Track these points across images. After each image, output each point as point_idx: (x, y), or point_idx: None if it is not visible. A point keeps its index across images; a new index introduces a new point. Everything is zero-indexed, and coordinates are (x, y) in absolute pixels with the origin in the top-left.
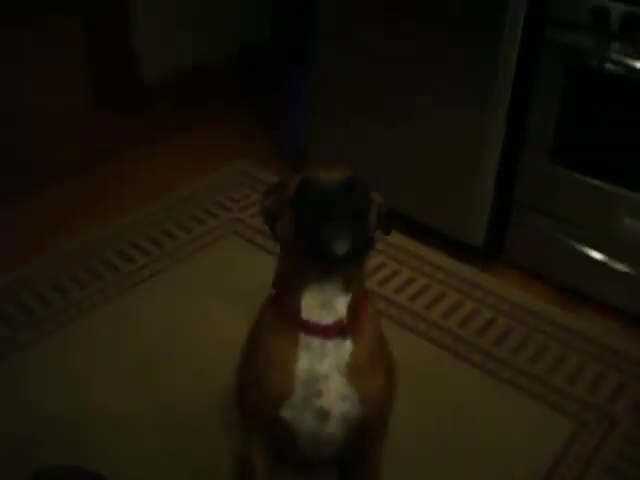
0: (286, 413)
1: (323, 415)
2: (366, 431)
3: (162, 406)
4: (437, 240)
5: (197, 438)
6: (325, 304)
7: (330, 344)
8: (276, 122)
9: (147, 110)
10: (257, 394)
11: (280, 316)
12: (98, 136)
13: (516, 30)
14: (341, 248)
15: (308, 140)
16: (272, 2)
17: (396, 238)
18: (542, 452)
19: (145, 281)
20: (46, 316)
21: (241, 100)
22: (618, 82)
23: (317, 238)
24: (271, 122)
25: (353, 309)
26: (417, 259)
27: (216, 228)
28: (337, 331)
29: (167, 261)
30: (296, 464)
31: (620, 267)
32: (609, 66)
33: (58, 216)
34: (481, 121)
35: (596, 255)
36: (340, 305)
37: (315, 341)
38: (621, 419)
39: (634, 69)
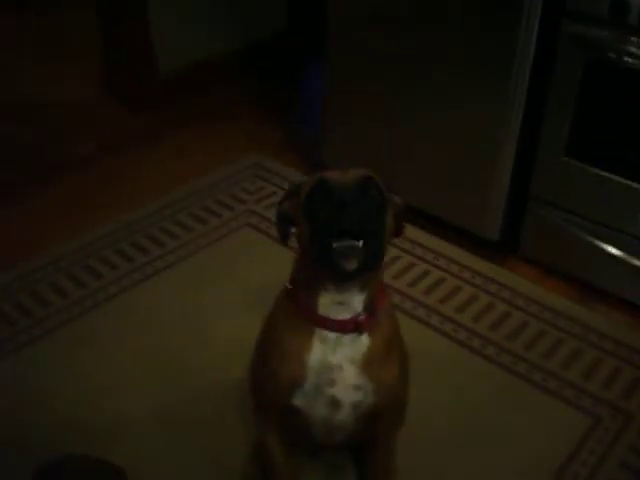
0: (298, 401)
1: (335, 403)
2: (379, 419)
3: (176, 399)
4: (452, 234)
5: (212, 431)
6: (342, 303)
7: (346, 338)
8: (291, 115)
9: (162, 104)
10: (271, 383)
11: (296, 311)
12: (114, 130)
13: (533, 24)
14: (351, 265)
15: (323, 133)
16: None
17: (411, 231)
18: (556, 448)
19: (159, 273)
20: (59, 308)
21: (256, 93)
22: (636, 76)
23: (328, 253)
24: (286, 115)
25: (370, 305)
26: (432, 252)
27: (231, 220)
28: (353, 327)
29: (182, 252)
30: (311, 449)
31: (636, 262)
32: (627, 60)
33: (66, 211)
34: (498, 116)
35: (612, 250)
36: (357, 303)
37: (331, 335)
38: (636, 415)
39: None
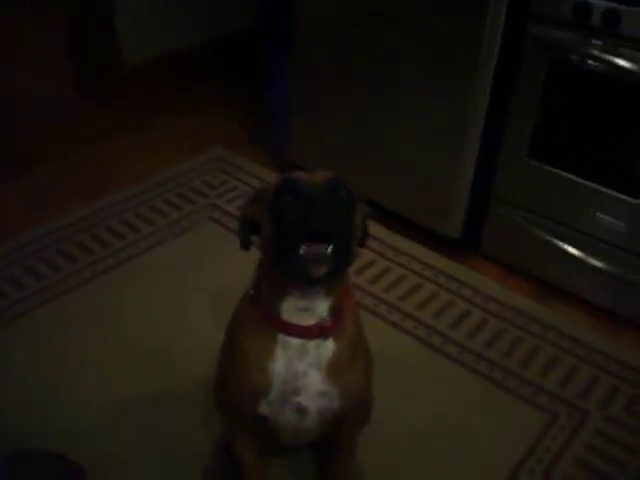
0: (264, 410)
1: (301, 411)
2: (344, 421)
3: (144, 398)
4: (414, 231)
5: (180, 430)
6: (306, 309)
7: (311, 344)
8: (258, 111)
9: (128, 96)
10: (235, 392)
11: (259, 316)
12: (79, 121)
13: (497, 26)
14: (320, 272)
15: (290, 130)
16: None
17: (373, 228)
18: (512, 445)
19: (122, 265)
20: (20, 298)
21: (222, 87)
22: (598, 79)
23: (295, 258)
24: (253, 111)
25: (335, 309)
26: (393, 250)
27: (192, 213)
28: (319, 332)
29: (143, 245)
30: (275, 448)
31: (595, 262)
32: (590, 62)
33: (35, 201)
34: (461, 116)
35: (572, 250)
36: (322, 308)
37: (295, 341)
38: (592, 412)
39: (615, 66)
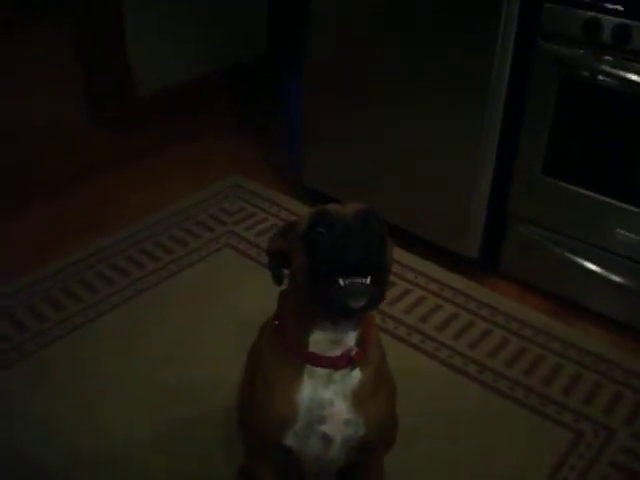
0: (289, 440)
1: (326, 440)
2: (370, 447)
3: (166, 428)
4: (432, 252)
5: (202, 460)
6: (336, 340)
7: (337, 373)
8: (272, 136)
9: (142, 125)
10: (261, 423)
11: (284, 346)
12: (92, 151)
13: (509, 43)
14: (359, 304)
15: (304, 154)
16: (268, 16)
17: None
18: (538, 464)
19: (139, 295)
20: (42, 329)
21: (236, 114)
22: (610, 94)
23: (334, 289)
24: (267, 136)
25: (361, 338)
26: (412, 271)
27: (211, 241)
28: (346, 362)
29: (163, 274)
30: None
31: (614, 278)
32: (601, 78)
33: (50, 232)
34: (475, 134)
35: (590, 266)
36: (350, 339)
37: (321, 370)
38: (617, 430)
39: (626, 81)
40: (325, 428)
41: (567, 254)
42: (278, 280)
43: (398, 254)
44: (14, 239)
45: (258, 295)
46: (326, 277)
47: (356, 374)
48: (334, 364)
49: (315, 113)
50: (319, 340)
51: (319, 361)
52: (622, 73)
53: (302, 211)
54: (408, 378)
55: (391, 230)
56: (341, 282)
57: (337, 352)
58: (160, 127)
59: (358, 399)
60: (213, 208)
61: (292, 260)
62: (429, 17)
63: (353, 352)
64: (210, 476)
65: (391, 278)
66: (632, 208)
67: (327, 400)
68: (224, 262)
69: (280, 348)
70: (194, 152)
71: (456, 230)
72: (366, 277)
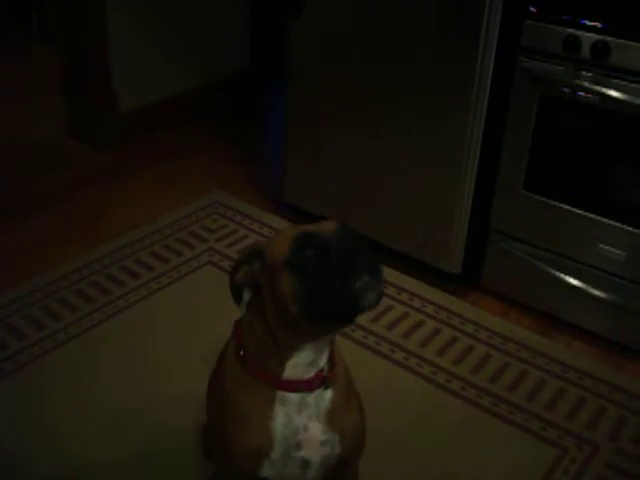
0: (267, 471)
1: (305, 464)
2: (345, 461)
3: (138, 455)
4: (415, 268)
5: (184, 474)
6: (312, 362)
7: (310, 396)
8: (252, 153)
9: (123, 142)
10: (234, 456)
11: (254, 376)
12: (73, 168)
13: (489, 60)
14: (373, 299)
15: (284, 171)
16: (250, 33)
17: None
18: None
19: (121, 312)
20: (20, 347)
21: (218, 131)
22: (590, 110)
23: (343, 294)
24: (248, 153)
25: (331, 356)
26: (394, 287)
27: (192, 259)
28: (319, 383)
29: (143, 292)
30: None
31: (596, 293)
32: (581, 94)
33: (32, 249)
34: (456, 150)
35: (572, 281)
36: (324, 359)
37: (294, 396)
38: (601, 445)
39: (605, 97)
40: (302, 453)
41: (549, 269)
42: (239, 302)
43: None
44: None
45: (239, 313)
46: (338, 290)
47: (328, 394)
48: (309, 387)
49: (297, 129)
50: (297, 364)
51: (293, 386)
52: (602, 89)
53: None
54: (391, 395)
55: (373, 246)
56: (357, 284)
57: (311, 374)
58: (141, 144)
59: (332, 418)
60: (194, 225)
61: (266, 289)
62: (411, 33)
63: (325, 371)
64: None
65: None
66: (613, 223)
67: (302, 425)
68: (205, 279)
69: (246, 379)
70: (175, 169)
71: (438, 246)
72: (377, 276)
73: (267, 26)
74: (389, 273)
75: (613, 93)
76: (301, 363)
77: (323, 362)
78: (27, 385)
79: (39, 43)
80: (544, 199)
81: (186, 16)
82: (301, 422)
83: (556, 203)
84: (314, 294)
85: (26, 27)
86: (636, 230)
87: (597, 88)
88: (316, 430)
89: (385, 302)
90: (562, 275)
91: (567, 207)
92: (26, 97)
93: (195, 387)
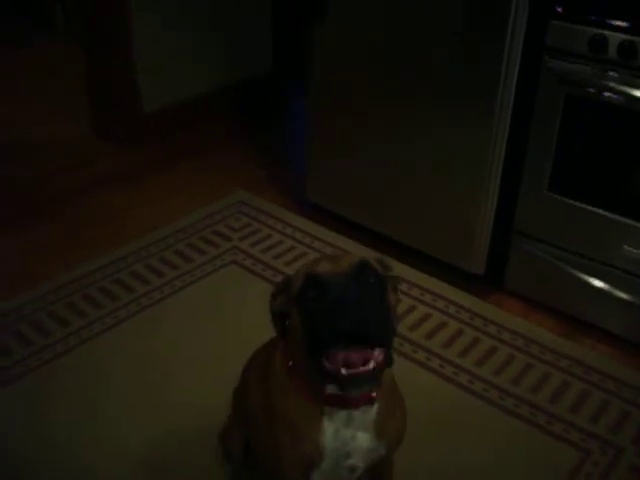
0: (316, 479)
1: (352, 470)
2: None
3: (171, 443)
4: (438, 269)
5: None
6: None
7: (357, 412)
8: (275, 153)
9: (147, 142)
10: (282, 464)
11: (299, 389)
12: (97, 167)
13: (515, 60)
14: (364, 389)
15: (307, 170)
16: (272, 34)
17: (397, 267)
18: None
19: (145, 309)
20: (45, 344)
21: (241, 131)
22: (616, 111)
23: (330, 362)
24: (271, 153)
25: (379, 375)
26: (418, 287)
27: (216, 257)
28: (365, 401)
29: (167, 290)
30: None
31: (621, 295)
32: (607, 95)
33: (55, 248)
34: (481, 151)
35: (597, 283)
36: None
37: (340, 412)
38: (625, 448)
39: (631, 97)
40: (351, 461)
41: (573, 271)
42: (281, 335)
43: (404, 271)
44: (15, 253)
45: (262, 311)
46: (323, 346)
47: (374, 407)
48: (355, 405)
49: (319, 129)
50: (335, 389)
51: (339, 402)
52: (628, 89)
53: (307, 227)
54: (413, 395)
55: (396, 246)
56: (344, 372)
57: (357, 394)
58: (165, 144)
59: (379, 427)
60: (218, 224)
61: (290, 318)
62: (435, 33)
63: (374, 394)
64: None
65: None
66: (638, 224)
67: (350, 436)
68: (229, 278)
69: (294, 391)
70: (199, 169)
71: (462, 247)
72: (366, 344)
73: (289, 28)
74: (413, 274)
75: (639, 93)
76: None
77: None
78: (45, 385)
79: (64, 43)
80: (568, 200)
81: (210, 17)
82: (349, 434)
83: (580, 204)
84: (311, 340)
85: (51, 26)
86: None
87: (623, 88)
88: (364, 439)
89: (408, 303)
90: (586, 277)
91: (591, 208)
92: (50, 96)
93: (219, 388)
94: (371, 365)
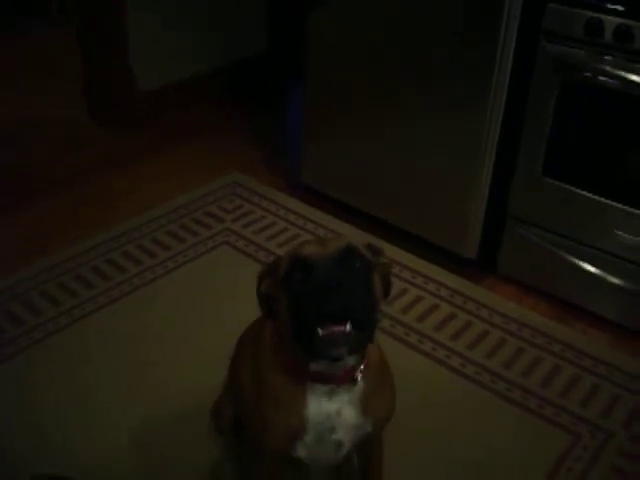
0: (300, 452)
1: (337, 445)
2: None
3: (157, 426)
4: (431, 252)
5: (179, 462)
6: (334, 365)
7: (341, 388)
8: (271, 135)
9: (141, 124)
10: (268, 435)
11: (284, 365)
12: (91, 150)
13: (510, 43)
14: (340, 353)
15: (303, 153)
16: (268, 15)
17: (389, 250)
18: (535, 466)
19: (137, 289)
20: (35, 324)
21: (237, 113)
22: (611, 95)
23: (314, 339)
24: (266, 135)
25: (362, 355)
26: (410, 271)
27: (208, 238)
28: (349, 379)
29: (159, 270)
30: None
31: (613, 279)
32: (602, 79)
33: (50, 227)
34: (475, 135)
35: (589, 268)
36: (350, 360)
37: (323, 386)
38: (615, 432)
39: (627, 81)
40: (336, 436)
41: (566, 255)
42: (268, 316)
43: (395, 253)
44: (13, 235)
45: (254, 292)
46: (306, 325)
47: (360, 385)
48: (338, 381)
49: (315, 111)
50: (319, 364)
51: (321, 379)
52: (623, 74)
53: (300, 209)
54: (405, 378)
55: (389, 229)
56: (320, 332)
57: (339, 372)
58: (159, 126)
59: (366, 403)
60: (211, 205)
61: (277, 300)
62: (430, 16)
63: (357, 373)
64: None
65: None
66: (631, 209)
67: (334, 410)
68: (221, 259)
69: (280, 365)
70: (193, 150)
71: (455, 230)
72: (346, 324)
73: (284, 8)
74: (404, 256)
75: (635, 78)
76: (322, 365)
77: (351, 362)
78: (35, 365)
79: (58, 27)
80: (562, 185)
81: None
82: (333, 408)
83: (574, 189)
84: (295, 320)
85: (46, 12)
86: None
87: (619, 72)
88: (350, 415)
89: (400, 285)
90: (579, 262)
91: (585, 193)
92: (44, 80)
93: (208, 364)
94: (348, 328)
